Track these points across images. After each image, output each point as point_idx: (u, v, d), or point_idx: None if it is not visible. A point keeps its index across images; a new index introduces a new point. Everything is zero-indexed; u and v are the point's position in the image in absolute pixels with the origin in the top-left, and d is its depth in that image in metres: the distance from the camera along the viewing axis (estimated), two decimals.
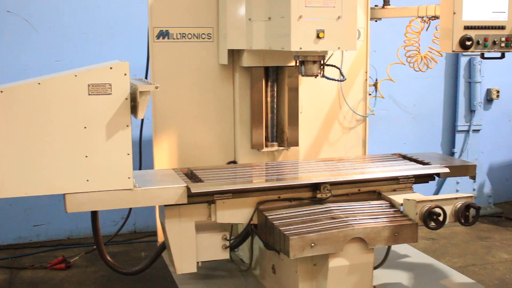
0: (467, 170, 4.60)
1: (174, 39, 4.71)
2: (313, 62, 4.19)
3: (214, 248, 4.08)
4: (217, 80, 4.84)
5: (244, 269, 4.70)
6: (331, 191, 4.09)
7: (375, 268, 4.11)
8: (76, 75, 3.54)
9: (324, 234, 3.64)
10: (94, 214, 3.98)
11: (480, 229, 6.86)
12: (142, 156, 5.35)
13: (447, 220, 3.92)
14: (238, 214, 4.00)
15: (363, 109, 5.29)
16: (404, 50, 4.97)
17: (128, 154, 3.68)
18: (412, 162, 4.61)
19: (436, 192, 7.46)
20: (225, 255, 4.12)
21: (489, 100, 7.63)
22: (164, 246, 4.31)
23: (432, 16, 4.66)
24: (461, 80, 7.44)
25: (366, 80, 5.26)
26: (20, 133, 3.48)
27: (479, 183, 7.62)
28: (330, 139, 5.24)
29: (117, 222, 6.46)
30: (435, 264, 4.93)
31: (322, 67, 4.23)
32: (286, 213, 3.92)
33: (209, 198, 3.91)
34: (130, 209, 5.41)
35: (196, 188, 3.82)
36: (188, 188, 3.82)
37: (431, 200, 3.92)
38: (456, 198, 4.00)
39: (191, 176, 4.20)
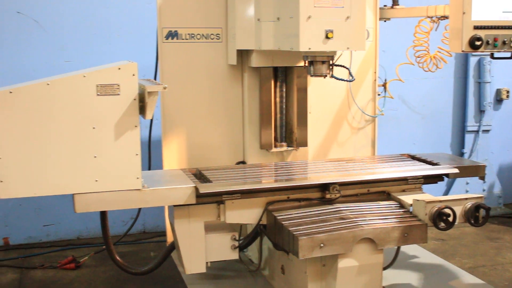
0: (477, 171, 4.57)
1: (183, 39, 4.72)
2: (322, 63, 4.19)
3: (223, 248, 4.08)
4: (226, 80, 4.85)
5: (253, 269, 4.70)
6: (340, 192, 4.09)
7: (384, 268, 4.10)
8: (84, 76, 3.55)
9: (333, 235, 3.64)
10: (103, 214, 3.99)
11: (490, 229, 6.84)
12: (151, 156, 5.36)
13: (457, 220, 3.91)
14: (247, 214, 4.00)
15: (372, 109, 5.28)
16: (413, 50, 4.96)
17: (137, 154, 3.69)
18: (421, 163, 4.59)
19: (446, 193, 7.44)
20: (234, 255, 4.13)
21: (498, 100, 7.59)
22: (173, 246, 4.31)
23: (442, 16, 4.65)
24: (470, 80, 7.42)
25: (375, 80, 5.26)
26: (29, 133, 3.49)
27: (489, 183, 7.58)
28: (339, 140, 5.23)
29: (126, 222, 6.48)
30: (445, 265, 4.92)
31: (331, 67, 4.23)
32: (295, 213, 3.92)
33: (218, 199, 3.91)
34: (140, 209, 5.42)
35: (204, 189, 3.82)
36: (196, 189, 3.82)
37: (441, 201, 3.91)
38: (466, 199, 3.99)
39: (200, 176, 4.21)
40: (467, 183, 7.44)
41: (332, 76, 4.26)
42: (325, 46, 3.97)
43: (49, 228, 6.41)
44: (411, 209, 4.00)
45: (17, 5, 6.03)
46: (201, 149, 4.83)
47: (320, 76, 4.23)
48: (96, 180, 3.64)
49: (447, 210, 3.84)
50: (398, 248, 4.35)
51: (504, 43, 4.22)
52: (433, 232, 5.81)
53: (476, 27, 4.14)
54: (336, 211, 3.97)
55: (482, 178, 4.62)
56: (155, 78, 4.95)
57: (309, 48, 3.95)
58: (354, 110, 5.23)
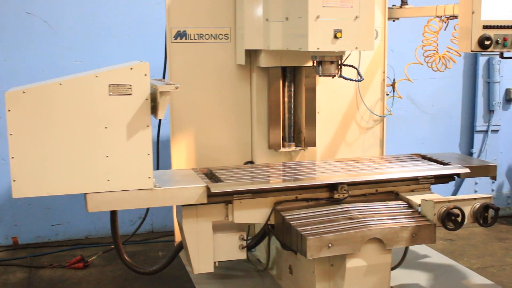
0: (488, 171, 4.56)
1: (192, 39, 4.73)
2: (331, 62, 4.19)
3: (231, 248, 4.08)
4: (235, 80, 4.85)
5: (261, 269, 4.70)
6: (348, 192, 4.08)
7: (392, 268, 4.09)
8: (97, 76, 3.57)
9: (341, 235, 3.63)
10: (113, 213, 4.00)
11: (499, 230, 6.81)
12: (159, 156, 5.37)
13: (466, 221, 3.90)
14: (255, 214, 4.00)
15: (381, 109, 5.28)
16: (422, 50, 4.95)
17: (149, 154, 3.71)
18: (432, 162, 4.58)
19: (454, 193, 7.41)
20: (242, 255, 4.13)
21: (508, 100, 7.56)
22: (182, 246, 4.32)
23: (451, 16, 4.63)
24: (479, 80, 7.39)
25: (384, 80, 5.25)
26: (42, 133, 3.52)
27: (498, 183, 7.56)
28: (348, 139, 5.23)
29: (134, 221, 6.49)
30: (453, 265, 4.91)
31: (339, 67, 4.22)
32: (303, 213, 3.92)
33: (226, 198, 3.91)
34: (148, 209, 5.44)
35: (215, 188, 3.83)
36: (208, 188, 3.83)
37: (449, 201, 3.90)
38: (475, 199, 3.97)
39: (211, 176, 4.21)
40: (476, 183, 7.41)
41: (340, 76, 4.26)
42: (333, 46, 3.97)
43: (58, 228, 6.44)
44: (419, 209, 3.99)
45: (27, 5, 6.05)
46: (209, 149, 4.84)
47: (329, 76, 4.23)
48: (108, 180, 3.65)
49: (456, 210, 3.83)
50: (406, 248, 4.34)
51: None
52: (442, 232, 5.80)
53: (485, 27, 4.13)
54: (344, 211, 3.97)
55: (494, 178, 4.61)
56: (164, 78, 4.96)
57: (318, 48, 3.95)
58: (362, 110, 5.22)
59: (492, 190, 7.52)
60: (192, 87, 4.76)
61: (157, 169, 5.37)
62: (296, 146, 4.87)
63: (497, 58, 7.23)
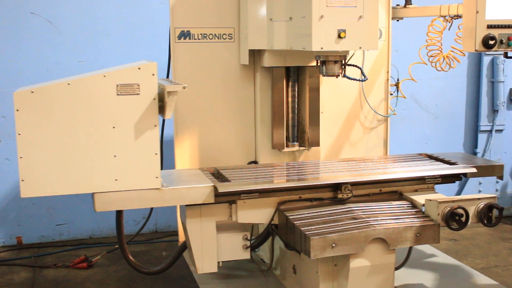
0: (494, 170, 4.55)
1: (196, 39, 4.73)
2: (334, 62, 4.18)
3: (234, 248, 4.09)
4: (238, 80, 4.85)
5: (264, 269, 4.70)
6: (352, 192, 4.08)
7: (396, 268, 4.09)
8: (105, 76, 3.58)
9: (345, 235, 3.63)
10: (119, 213, 4.01)
11: (503, 230, 6.80)
12: (163, 156, 5.36)
13: (470, 221, 3.89)
14: (259, 214, 4.00)
15: (385, 109, 5.27)
16: (426, 49, 4.94)
17: (156, 153, 3.72)
18: (439, 162, 4.57)
19: (458, 193, 7.40)
20: (246, 255, 4.13)
21: None
22: (185, 245, 4.32)
23: (455, 15, 4.63)
24: (484, 80, 7.38)
25: (388, 80, 5.24)
26: (49, 132, 3.53)
27: (502, 183, 7.54)
28: (351, 139, 5.22)
29: (138, 221, 6.50)
30: (457, 265, 4.90)
31: (343, 67, 4.22)
32: (307, 213, 3.91)
33: (233, 198, 3.91)
34: (152, 208, 5.44)
35: (223, 188, 3.83)
36: (215, 188, 3.83)
37: (453, 201, 3.89)
38: (479, 199, 3.97)
39: (218, 175, 4.21)
40: (480, 183, 7.40)
41: (344, 76, 4.26)
42: (337, 46, 3.96)
43: (62, 228, 6.44)
44: (423, 209, 3.99)
45: (31, 6, 6.06)
46: (213, 148, 4.84)
47: (333, 75, 4.23)
48: (116, 179, 3.66)
49: (460, 210, 3.82)
50: (410, 248, 4.33)
51: None
52: (446, 232, 5.78)
53: (489, 26, 4.12)
54: (348, 211, 3.96)
55: (500, 177, 4.60)
56: (167, 78, 4.96)
57: (322, 48, 3.94)
58: (366, 110, 5.21)
59: (496, 190, 7.51)
60: (196, 87, 4.76)
61: (161, 169, 5.37)
62: (300, 146, 4.87)
63: (502, 57, 7.21)
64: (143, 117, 3.65)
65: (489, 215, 3.93)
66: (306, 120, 4.78)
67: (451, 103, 7.40)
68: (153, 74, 3.63)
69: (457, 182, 5.97)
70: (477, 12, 4.09)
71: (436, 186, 4.35)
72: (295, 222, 3.78)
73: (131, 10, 6.32)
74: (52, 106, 3.51)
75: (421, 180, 4.29)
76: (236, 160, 4.87)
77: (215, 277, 4.56)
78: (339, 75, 4.23)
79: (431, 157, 4.75)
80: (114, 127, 3.62)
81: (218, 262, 4.05)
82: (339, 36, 3.93)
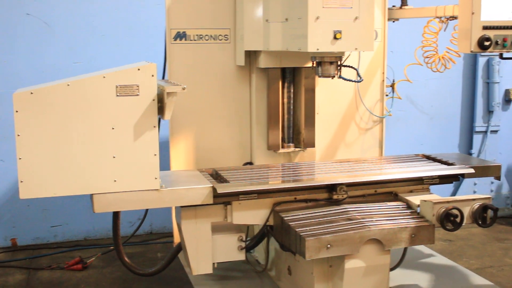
0: (491, 171, 4.56)
1: (191, 40, 4.73)
2: (330, 63, 4.18)
3: (230, 249, 4.08)
4: (234, 81, 4.85)
5: (259, 270, 4.70)
6: (347, 192, 4.08)
7: (391, 269, 4.09)
8: (104, 77, 3.57)
9: (340, 236, 3.63)
10: (115, 214, 4.01)
11: (497, 230, 6.81)
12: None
13: (464, 221, 3.90)
14: (254, 215, 4.00)
15: (380, 110, 5.27)
16: (422, 50, 4.95)
17: (155, 154, 3.72)
18: (436, 163, 4.57)
19: (453, 193, 7.41)
20: (241, 256, 4.13)
21: (507, 100, 7.56)
22: (180, 247, 4.32)
23: (450, 16, 4.64)
24: (479, 81, 7.39)
25: (383, 80, 5.25)
26: (48, 134, 3.53)
27: (497, 184, 7.56)
28: (347, 140, 5.23)
29: (133, 223, 6.49)
30: (452, 265, 4.91)
31: (339, 68, 4.22)
32: (302, 214, 3.92)
33: (228, 199, 3.91)
34: (147, 210, 5.43)
35: (222, 189, 3.83)
36: (214, 189, 3.83)
37: (448, 201, 3.90)
38: (474, 200, 3.98)
39: (216, 176, 4.21)
40: (475, 184, 7.41)
41: (340, 77, 4.26)
42: (333, 47, 3.97)
43: (57, 229, 6.43)
44: (418, 209, 3.99)
45: (27, 7, 6.05)
46: (208, 150, 4.84)
47: (328, 76, 4.23)
48: (115, 180, 3.66)
49: (455, 211, 3.83)
50: (405, 248, 4.33)
51: None
52: (441, 233, 5.79)
53: (485, 27, 4.13)
54: (343, 211, 3.96)
55: (498, 178, 4.61)
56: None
57: (317, 49, 3.95)
58: (362, 111, 5.22)
59: (491, 191, 7.52)
60: (192, 88, 4.76)
61: None
62: (295, 147, 4.87)
63: (497, 58, 7.23)
64: (142, 118, 3.65)
65: (484, 215, 3.94)
66: (302, 121, 4.78)
67: (446, 104, 7.41)
68: (152, 75, 3.63)
69: (452, 183, 5.97)
70: (472, 13, 4.10)
71: (431, 187, 4.35)
72: (290, 223, 3.78)
73: (126, 11, 6.31)
74: (51, 107, 3.51)
75: (419, 180, 4.29)
76: (231, 161, 4.86)
77: (210, 278, 4.55)
78: (334, 76, 4.23)
79: (428, 157, 4.75)
80: (113, 128, 3.62)
81: (213, 263, 4.05)
82: (335, 37, 3.93)
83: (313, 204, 4.06)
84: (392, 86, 5.29)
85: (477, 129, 7.46)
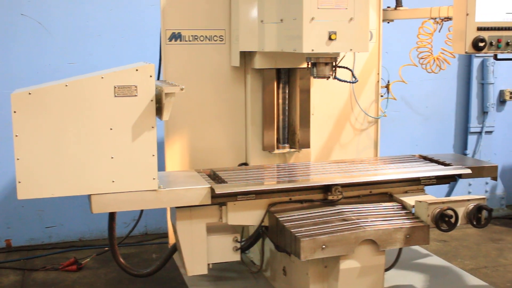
0: (488, 171, 4.56)
1: (186, 41, 4.72)
2: (325, 64, 4.18)
3: (225, 250, 4.08)
4: (229, 82, 4.85)
5: (255, 271, 4.70)
6: (342, 193, 4.08)
7: (386, 270, 4.10)
8: (102, 77, 3.57)
9: (335, 236, 3.64)
10: (111, 215, 4.00)
11: (492, 231, 6.83)
12: None
13: (459, 222, 3.90)
14: (249, 216, 4.00)
15: (375, 110, 5.28)
16: (417, 51, 4.95)
17: (153, 155, 3.71)
18: (433, 163, 4.57)
19: (448, 194, 7.43)
20: (236, 257, 4.13)
21: (502, 101, 7.59)
22: (175, 248, 4.32)
23: (445, 17, 4.64)
24: (473, 82, 7.41)
25: (378, 81, 5.25)
26: (47, 134, 3.52)
27: (492, 184, 7.57)
28: (342, 141, 5.23)
29: (128, 224, 6.48)
30: (447, 266, 4.91)
31: (334, 68, 4.22)
32: (297, 215, 3.92)
33: (225, 200, 3.91)
34: (142, 211, 5.42)
35: (220, 189, 3.83)
36: (212, 189, 3.83)
37: (443, 202, 3.90)
38: (468, 200, 3.99)
39: (214, 177, 4.21)
40: (470, 184, 7.43)
41: (335, 78, 4.26)
42: (328, 48, 3.96)
43: (51, 230, 6.42)
44: (413, 210, 4.00)
45: (21, 7, 6.04)
46: (203, 150, 4.83)
47: (323, 77, 4.23)
48: (113, 181, 3.66)
49: (449, 212, 3.83)
50: (400, 249, 4.34)
51: (507, 44, 4.20)
52: (435, 233, 5.80)
53: (479, 28, 4.13)
54: (338, 212, 3.97)
55: (494, 178, 4.62)
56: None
57: (312, 50, 3.95)
58: (357, 112, 5.22)
59: (486, 191, 7.54)
60: (187, 88, 4.68)
61: None
62: (290, 147, 4.87)
63: (491, 59, 7.26)
64: (141, 118, 3.64)
65: (479, 216, 3.95)
66: (297, 121, 4.79)
67: (441, 104, 7.43)
68: (150, 76, 3.63)
69: (449, 183, 5.99)
70: (467, 15, 4.11)
71: (427, 187, 4.36)
72: (285, 224, 3.78)
73: (122, 12, 6.31)
74: (49, 108, 3.50)
75: (416, 181, 4.30)
76: (226, 162, 4.86)
77: (205, 279, 4.55)
78: (330, 77, 4.23)
79: (425, 158, 4.76)
80: (111, 129, 3.61)
81: (208, 264, 4.05)
82: (330, 38, 3.93)
83: (308, 205, 4.06)
84: (387, 87, 5.29)
85: (471, 129, 7.48)
